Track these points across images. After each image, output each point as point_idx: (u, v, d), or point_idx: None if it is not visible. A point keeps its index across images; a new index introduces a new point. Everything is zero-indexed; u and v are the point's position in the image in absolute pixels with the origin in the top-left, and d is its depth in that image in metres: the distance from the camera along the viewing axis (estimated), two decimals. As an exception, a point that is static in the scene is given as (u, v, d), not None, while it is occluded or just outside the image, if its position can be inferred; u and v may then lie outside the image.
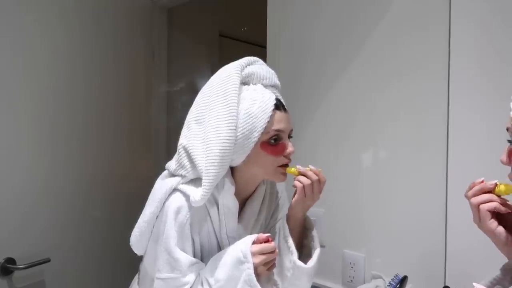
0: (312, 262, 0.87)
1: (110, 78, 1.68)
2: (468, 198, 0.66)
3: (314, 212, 1.28)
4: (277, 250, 0.84)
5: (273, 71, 0.93)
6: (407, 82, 1.08)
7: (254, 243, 0.83)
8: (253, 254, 0.81)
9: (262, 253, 0.82)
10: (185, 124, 0.92)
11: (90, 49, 1.59)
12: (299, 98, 1.35)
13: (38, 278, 1.42)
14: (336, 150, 1.25)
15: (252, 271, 0.79)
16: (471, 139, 0.96)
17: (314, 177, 0.86)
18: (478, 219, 0.65)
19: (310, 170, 0.88)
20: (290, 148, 0.88)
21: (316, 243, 0.91)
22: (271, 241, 0.84)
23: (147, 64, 1.88)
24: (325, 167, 1.26)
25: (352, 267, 1.19)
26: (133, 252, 0.95)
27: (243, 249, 0.82)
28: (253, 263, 0.80)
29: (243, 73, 0.87)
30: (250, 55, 0.92)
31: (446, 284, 0.97)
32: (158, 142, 1.94)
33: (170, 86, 2.02)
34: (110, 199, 1.67)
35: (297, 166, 0.89)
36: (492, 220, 0.63)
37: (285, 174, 0.90)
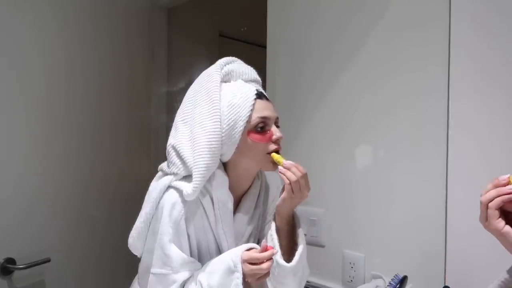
0: (294, 260, 0.85)
1: (110, 78, 1.68)
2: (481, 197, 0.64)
3: (314, 212, 1.28)
4: (266, 265, 0.80)
5: (252, 68, 0.94)
6: (407, 81, 1.08)
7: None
8: (243, 262, 0.82)
9: (250, 262, 0.81)
10: (173, 126, 0.95)
11: (89, 49, 1.59)
12: (299, 98, 1.35)
13: (38, 278, 1.42)
14: (336, 149, 1.25)
15: (240, 281, 0.80)
16: (471, 139, 0.96)
17: (298, 174, 0.82)
18: (485, 218, 0.63)
19: (290, 165, 0.84)
20: (278, 134, 0.89)
21: (301, 240, 0.89)
22: (269, 249, 0.81)
23: (147, 64, 1.88)
24: (324, 167, 1.27)
25: (352, 267, 1.19)
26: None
27: (234, 258, 0.83)
28: (242, 272, 0.81)
29: (222, 71, 0.90)
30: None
31: (446, 284, 0.97)
32: (157, 142, 1.94)
33: (169, 86, 2.02)
34: (109, 199, 1.67)
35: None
36: (500, 219, 0.62)
37: (275, 163, 0.88)
